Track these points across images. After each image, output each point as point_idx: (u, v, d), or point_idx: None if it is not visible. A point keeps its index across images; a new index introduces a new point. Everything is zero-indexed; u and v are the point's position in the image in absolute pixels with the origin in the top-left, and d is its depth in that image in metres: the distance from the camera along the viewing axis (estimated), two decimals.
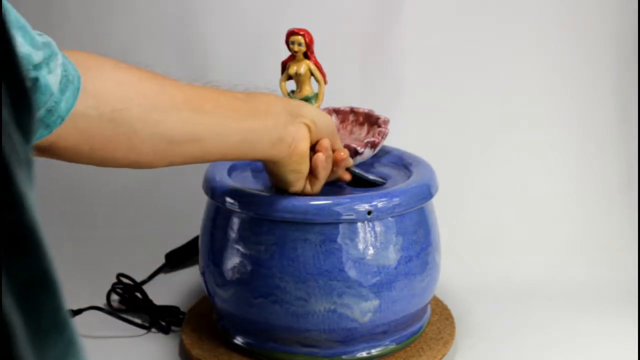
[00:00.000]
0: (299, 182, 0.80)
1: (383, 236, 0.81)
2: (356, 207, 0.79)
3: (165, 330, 0.95)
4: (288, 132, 0.75)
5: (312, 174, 0.80)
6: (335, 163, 0.82)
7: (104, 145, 0.63)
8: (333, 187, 0.87)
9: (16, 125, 0.36)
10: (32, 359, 0.35)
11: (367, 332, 0.82)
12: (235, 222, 0.83)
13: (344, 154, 0.81)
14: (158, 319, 0.95)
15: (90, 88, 0.61)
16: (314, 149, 0.79)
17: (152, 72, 0.68)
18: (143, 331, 0.95)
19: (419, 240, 0.83)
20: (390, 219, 0.81)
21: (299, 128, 0.76)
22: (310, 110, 0.78)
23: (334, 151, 0.81)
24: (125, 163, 0.67)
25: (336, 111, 0.98)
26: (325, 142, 0.79)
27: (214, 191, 0.84)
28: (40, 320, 0.37)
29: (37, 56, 0.57)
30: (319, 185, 0.81)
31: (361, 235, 0.80)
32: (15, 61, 0.36)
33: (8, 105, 0.35)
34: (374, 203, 0.79)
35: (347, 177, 0.86)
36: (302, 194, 0.81)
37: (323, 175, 0.80)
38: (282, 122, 0.75)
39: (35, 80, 0.57)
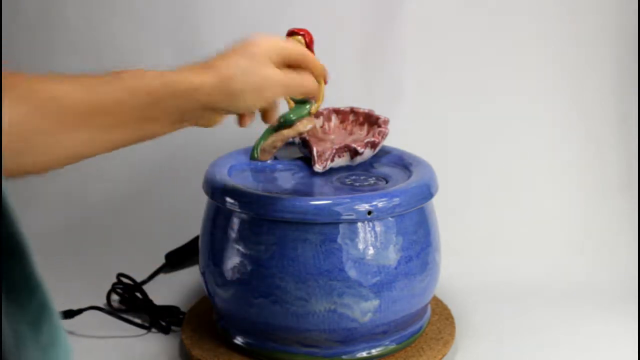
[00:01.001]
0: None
1: (383, 236, 0.81)
2: (356, 207, 0.79)
3: (165, 330, 0.95)
4: (190, 122, 0.68)
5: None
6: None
7: None
8: (333, 187, 0.87)
9: None
10: (5, 324, 0.35)
11: (367, 332, 0.82)
12: (235, 222, 0.83)
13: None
14: (158, 319, 0.95)
15: None
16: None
17: (54, 86, 0.60)
18: (143, 331, 0.95)
19: (419, 240, 0.83)
20: (390, 219, 0.81)
21: (210, 119, 0.70)
22: (232, 101, 0.69)
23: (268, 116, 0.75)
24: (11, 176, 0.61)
25: (336, 111, 0.98)
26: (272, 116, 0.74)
27: (214, 191, 0.84)
28: (12, 284, 0.36)
29: None
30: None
31: (361, 235, 0.80)
32: None
33: None
34: (374, 203, 0.79)
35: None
36: None
37: None
38: (191, 117, 0.67)
39: None
